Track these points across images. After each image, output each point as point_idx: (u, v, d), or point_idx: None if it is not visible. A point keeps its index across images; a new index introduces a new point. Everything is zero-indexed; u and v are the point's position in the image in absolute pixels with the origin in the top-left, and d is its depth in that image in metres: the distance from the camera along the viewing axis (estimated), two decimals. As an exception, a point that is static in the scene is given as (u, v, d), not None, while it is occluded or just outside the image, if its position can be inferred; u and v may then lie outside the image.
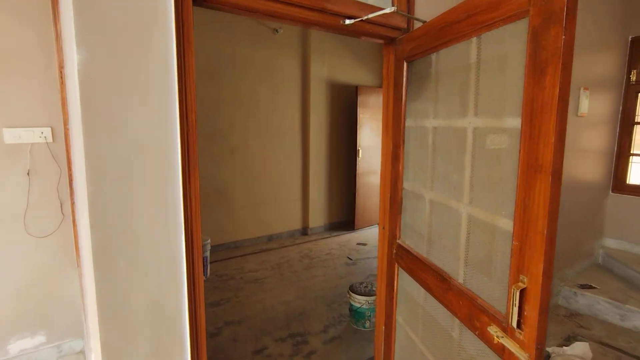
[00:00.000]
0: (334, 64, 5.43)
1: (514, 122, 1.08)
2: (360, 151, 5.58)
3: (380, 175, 1.98)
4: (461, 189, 1.37)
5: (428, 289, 1.55)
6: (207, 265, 3.87)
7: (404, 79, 1.71)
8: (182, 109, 1.29)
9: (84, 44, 1.11)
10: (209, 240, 3.92)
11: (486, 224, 1.23)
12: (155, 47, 1.23)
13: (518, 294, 1.01)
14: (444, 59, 1.46)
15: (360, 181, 5.64)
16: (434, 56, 1.52)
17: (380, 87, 6.06)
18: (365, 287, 3.16)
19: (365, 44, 5.77)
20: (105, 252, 1.21)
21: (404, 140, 1.75)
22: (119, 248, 1.23)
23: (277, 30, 4.74)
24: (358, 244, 5.12)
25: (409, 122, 1.73)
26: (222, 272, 4.08)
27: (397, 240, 1.85)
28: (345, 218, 5.93)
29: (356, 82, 5.72)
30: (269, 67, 4.79)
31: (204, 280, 3.83)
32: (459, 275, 1.37)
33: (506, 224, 1.12)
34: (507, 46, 1.12)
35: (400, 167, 1.77)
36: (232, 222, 4.76)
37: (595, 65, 3.27)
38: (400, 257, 1.80)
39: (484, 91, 1.24)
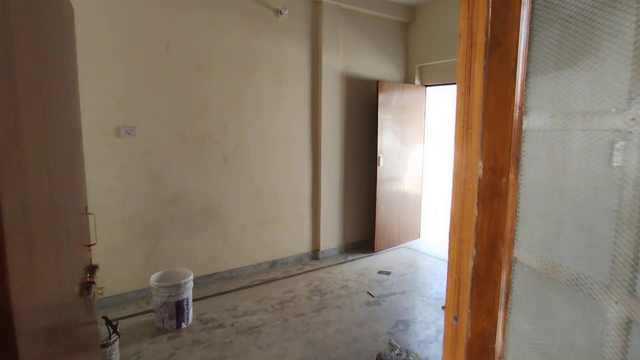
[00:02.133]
0: (350, 54, 4.52)
1: None
2: (382, 158, 4.66)
3: (451, 221, 1.06)
4: None
5: None
6: (187, 309, 3.00)
7: (524, 25, 0.79)
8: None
9: None
10: (191, 277, 3.04)
11: None
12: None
13: None
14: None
15: (381, 193, 4.71)
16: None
17: (405, 82, 5.14)
18: (399, 356, 2.23)
19: (387, 30, 4.85)
20: None
21: (518, 159, 0.83)
22: None
23: (280, 12, 3.86)
24: (380, 272, 4.19)
25: (533, 121, 0.81)
26: (209, 315, 3.20)
27: None
28: (363, 237, 5.00)
29: (376, 76, 4.80)
30: (271, 57, 3.91)
31: (184, 328, 2.95)
32: None
33: None
34: None
35: (508, 214, 0.85)
36: (227, 246, 3.88)
37: None
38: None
39: None
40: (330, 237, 4.62)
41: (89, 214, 1.62)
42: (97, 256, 3.20)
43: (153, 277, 3.01)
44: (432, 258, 4.67)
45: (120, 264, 3.30)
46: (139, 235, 3.36)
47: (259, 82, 3.86)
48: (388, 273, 4.17)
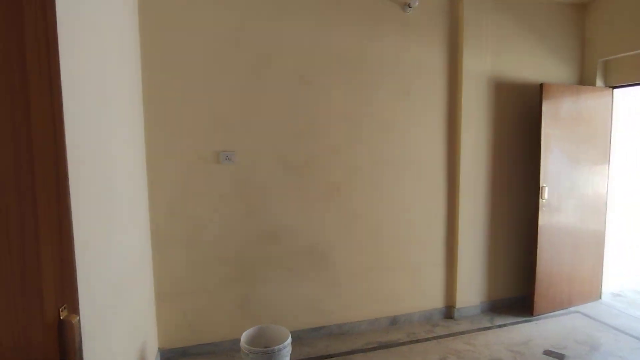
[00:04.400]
0: (500, 51, 3.44)
1: None
2: (546, 189, 3.39)
3: None
4: None
5: None
6: (281, 385, 2.34)
7: None
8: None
9: None
10: (288, 341, 2.39)
11: None
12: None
13: None
14: None
15: (544, 235, 3.42)
16: None
17: (581, 83, 3.78)
18: None
19: (551, 17, 3.61)
20: None
21: None
22: None
23: (409, 5, 3.08)
24: (547, 353, 2.92)
25: None
26: (308, 391, 2.49)
27: None
28: (515, 293, 3.73)
29: (538, 78, 3.58)
30: (395, 63, 3.14)
31: (276, 411, 2.29)
32: None
33: None
34: None
35: None
36: (336, 296, 3.16)
37: None
38: None
39: None
40: (470, 290, 3.51)
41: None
42: (192, 297, 2.84)
43: (244, 337, 2.45)
44: (626, 336, 3.14)
45: (216, 308, 2.87)
46: (235, 277, 2.89)
47: (378, 94, 3.12)
48: (562, 356, 2.87)
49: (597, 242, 3.79)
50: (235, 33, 2.73)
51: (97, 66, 1.64)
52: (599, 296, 3.85)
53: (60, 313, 0.77)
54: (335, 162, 3.06)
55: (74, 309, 0.84)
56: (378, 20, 3.05)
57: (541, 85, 3.32)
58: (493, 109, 3.45)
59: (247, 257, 2.90)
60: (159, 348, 2.75)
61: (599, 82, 3.69)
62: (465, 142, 3.33)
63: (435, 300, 3.48)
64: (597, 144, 3.67)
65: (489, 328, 3.32)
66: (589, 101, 3.57)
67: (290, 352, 2.42)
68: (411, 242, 3.33)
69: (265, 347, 2.38)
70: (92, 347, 1.40)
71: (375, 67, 3.09)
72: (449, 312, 3.51)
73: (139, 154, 2.50)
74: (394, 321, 3.35)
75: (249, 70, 2.79)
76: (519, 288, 3.72)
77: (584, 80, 3.76)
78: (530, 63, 3.56)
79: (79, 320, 0.80)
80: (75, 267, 0.89)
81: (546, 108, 3.34)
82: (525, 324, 3.38)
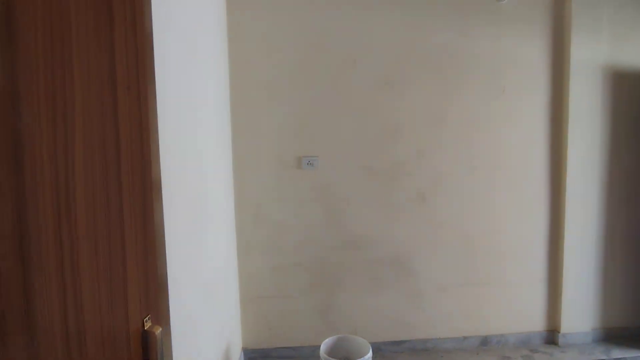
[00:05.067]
0: (623, 36, 2.94)
1: None
2: (682, 199, 2.80)
3: None
4: None
5: None
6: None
7: None
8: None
9: None
10: (369, 355, 2.29)
11: None
12: None
13: None
14: None
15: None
16: None
17: None
18: None
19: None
20: None
21: None
22: None
23: (504, -6, 2.78)
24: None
25: None
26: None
27: None
28: (637, 322, 3.15)
29: (670, 67, 2.99)
30: (488, 58, 2.86)
31: None
32: None
33: None
34: None
35: None
36: (420, 310, 2.98)
37: None
38: None
39: None
40: (579, 314, 3.05)
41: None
42: (274, 301, 2.89)
43: (324, 346, 2.41)
44: None
45: (296, 313, 2.88)
46: (316, 284, 2.87)
47: (468, 93, 2.87)
48: None
49: None
50: (320, 38, 2.72)
51: (188, 72, 1.72)
52: None
53: (145, 324, 0.78)
54: (421, 167, 2.88)
55: (158, 319, 0.84)
56: (468, 12, 2.81)
57: (676, 74, 2.77)
58: (610, 105, 2.96)
59: (328, 264, 2.87)
60: (242, 348, 2.84)
61: None
62: (572, 144, 2.90)
63: (534, 322, 3.09)
64: None
65: (603, 361, 2.85)
66: None
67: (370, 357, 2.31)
68: (506, 256, 3.00)
69: (345, 359, 2.31)
70: (183, 348, 1.46)
71: (465, 63, 2.84)
72: (551, 337, 3.09)
73: (227, 159, 2.61)
74: (484, 341, 3.05)
75: (333, 74, 2.75)
76: (642, 315, 3.14)
77: None
78: (660, 48, 2.99)
79: (162, 332, 0.80)
80: (163, 278, 0.90)
81: (683, 101, 2.77)
82: (653, 360, 2.84)
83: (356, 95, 2.79)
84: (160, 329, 0.80)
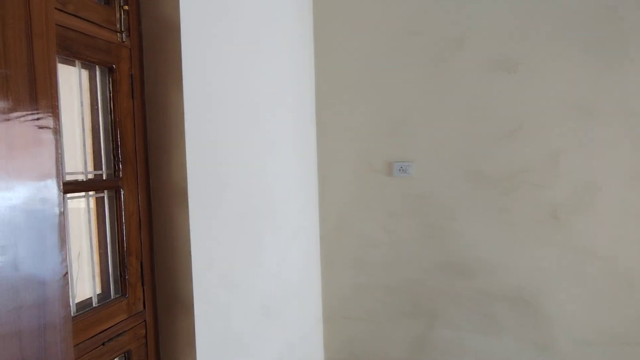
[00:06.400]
0: None
1: None
2: None
3: None
4: None
5: None
6: None
7: None
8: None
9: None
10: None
11: None
12: None
13: None
14: None
15: None
16: None
17: None
18: None
19: None
20: None
21: None
22: None
23: None
24: None
25: None
26: None
27: None
28: None
29: None
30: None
31: None
32: None
33: None
34: None
35: None
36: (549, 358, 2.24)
37: None
38: None
39: None
40: None
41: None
42: (358, 324, 2.54)
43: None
44: None
45: (382, 342, 2.48)
46: (408, 312, 2.42)
47: (629, 70, 2.01)
48: None
49: None
50: (416, 17, 2.28)
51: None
52: None
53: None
54: (556, 175, 2.14)
55: None
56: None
57: None
58: None
59: (423, 290, 2.38)
60: (324, 371, 2.59)
61: None
62: None
63: None
64: None
65: None
66: None
67: None
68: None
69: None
70: None
71: (631, 30, 2.01)
72: None
73: (311, 163, 2.40)
74: None
75: (434, 60, 2.27)
76: None
77: None
78: None
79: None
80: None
81: None
82: None
83: (463, 85, 2.23)
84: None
